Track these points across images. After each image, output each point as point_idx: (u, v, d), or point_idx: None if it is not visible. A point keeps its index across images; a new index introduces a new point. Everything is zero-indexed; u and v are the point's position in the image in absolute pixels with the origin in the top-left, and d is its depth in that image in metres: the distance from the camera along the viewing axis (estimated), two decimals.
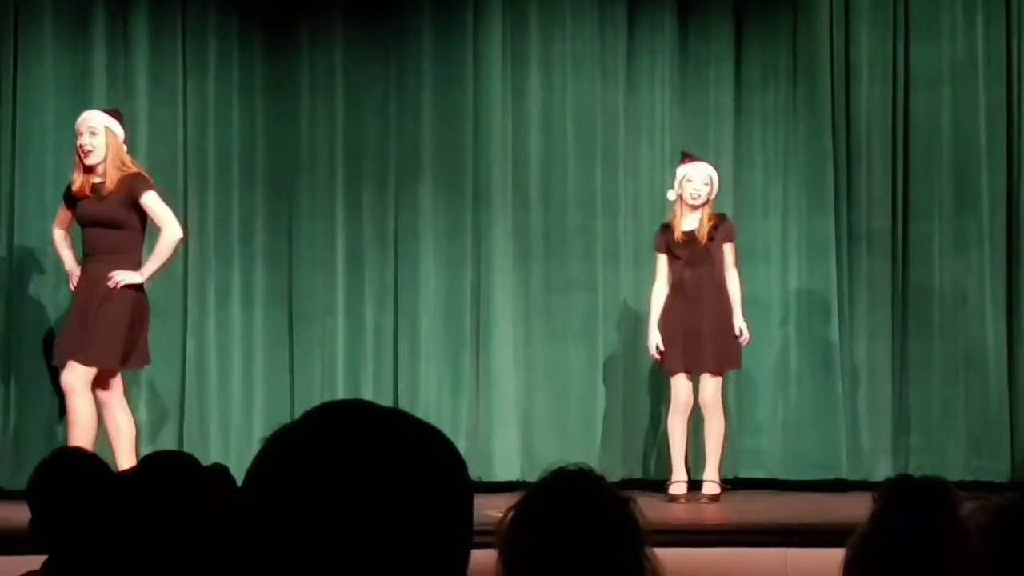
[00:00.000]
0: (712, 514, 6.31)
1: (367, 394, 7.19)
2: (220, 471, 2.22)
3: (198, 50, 7.14)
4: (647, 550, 2.12)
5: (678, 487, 6.61)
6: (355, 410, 1.16)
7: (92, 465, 2.88)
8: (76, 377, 5.97)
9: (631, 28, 7.40)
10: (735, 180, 7.29)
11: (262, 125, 7.20)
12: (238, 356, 7.14)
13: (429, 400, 7.19)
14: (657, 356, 6.69)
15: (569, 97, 7.34)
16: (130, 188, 6.07)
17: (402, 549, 1.11)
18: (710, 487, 6.58)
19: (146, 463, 2.17)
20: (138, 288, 6.06)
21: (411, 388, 7.21)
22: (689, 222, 6.64)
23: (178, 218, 6.93)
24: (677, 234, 6.63)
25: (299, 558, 1.10)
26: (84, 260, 6.16)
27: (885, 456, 7.14)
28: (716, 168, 6.76)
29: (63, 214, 6.28)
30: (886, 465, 7.08)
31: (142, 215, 6.11)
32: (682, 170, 6.69)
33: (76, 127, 6.18)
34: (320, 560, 1.10)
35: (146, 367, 6.34)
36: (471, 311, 7.25)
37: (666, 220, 6.75)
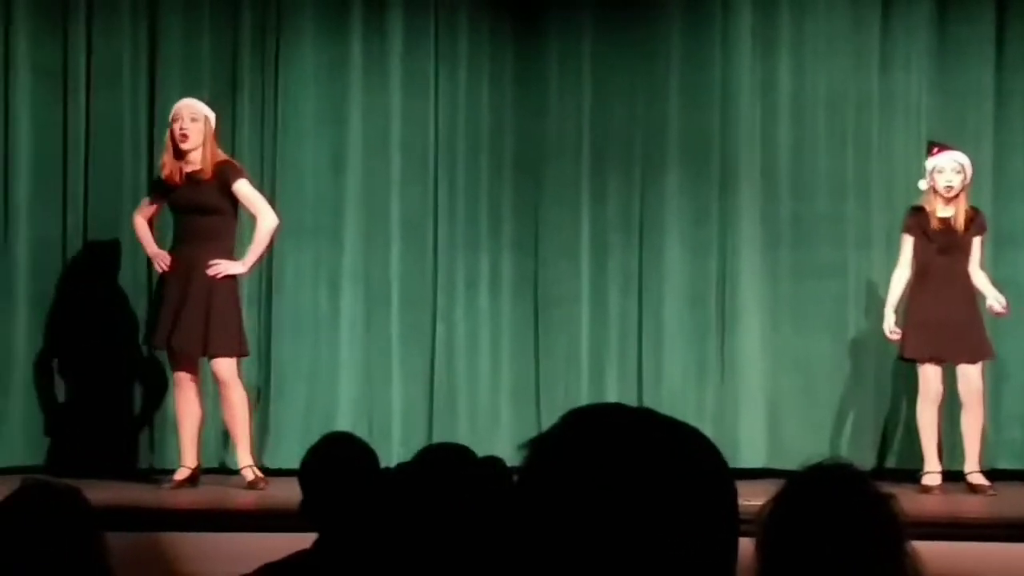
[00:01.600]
0: (970, 506, 6.15)
1: (611, 380, 7.25)
2: (494, 463, 2.28)
3: (450, 41, 7.29)
4: (908, 546, 2.11)
5: (931, 478, 6.47)
6: (614, 414, 1.20)
7: (361, 448, 3.00)
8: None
9: (885, 8, 7.23)
10: (995, 164, 7.06)
11: (511, 114, 7.31)
12: (485, 340, 7.28)
13: (674, 386, 7.20)
14: (894, 338, 6.57)
15: (820, 80, 7.23)
16: (223, 175, 6.21)
17: (670, 550, 1.13)
18: (976, 477, 6.43)
19: (425, 452, 2.25)
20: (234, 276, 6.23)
21: (655, 374, 7.23)
22: (945, 210, 6.49)
23: (428, 206, 7.11)
24: (933, 221, 6.49)
25: (569, 558, 1.13)
26: (176, 245, 6.26)
27: None
28: (968, 154, 6.58)
29: (149, 202, 6.38)
30: None
31: (234, 202, 6.25)
32: (931, 162, 6.53)
33: (173, 113, 6.31)
34: (590, 560, 1.12)
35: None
36: (716, 298, 7.23)
37: (918, 203, 6.61)
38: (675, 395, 7.16)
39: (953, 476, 6.48)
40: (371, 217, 7.21)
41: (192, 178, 6.24)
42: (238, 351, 6.30)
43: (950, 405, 6.53)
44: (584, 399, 7.14)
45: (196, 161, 6.25)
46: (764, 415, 7.15)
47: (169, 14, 7.12)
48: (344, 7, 7.23)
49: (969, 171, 6.51)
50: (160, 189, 6.35)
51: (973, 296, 6.45)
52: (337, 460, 2.95)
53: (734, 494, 1.19)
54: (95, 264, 7.02)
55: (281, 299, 7.14)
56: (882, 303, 6.96)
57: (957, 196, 6.47)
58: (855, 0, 7.23)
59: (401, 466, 2.34)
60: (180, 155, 6.24)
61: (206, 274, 6.17)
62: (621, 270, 7.26)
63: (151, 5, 7.13)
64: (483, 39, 7.29)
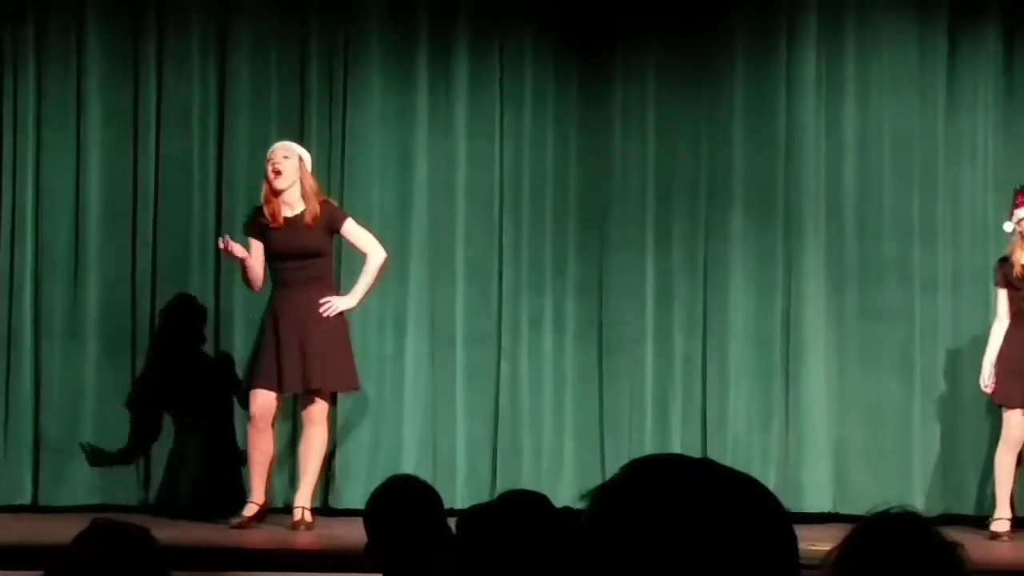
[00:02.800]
0: None
1: (675, 422, 7.23)
2: (570, 514, 2.28)
3: (515, 85, 7.33)
4: None
5: (1001, 524, 6.39)
6: (674, 464, 1.21)
7: (425, 490, 3.02)
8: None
9: (952, 50, 7.20)
10: None
11: (575, 157, 7.33)
12: (549, 381, 7.28)
13: (738, 429, 7.17)
14: (987, 392, 6.53)
15: (886, 121, 7.20)
16: (329, 217, 6.28)
17: None
18: None
19: (503, 498, 2.26)
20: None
21: (720, 417, 7.20)
22: None
23: (493, 248, 7.15)
24: (1016, 268, 6.46)
25: None
26: (281, 290, 6.27)
27: None
28: None
29: (254, 247, 6.33)
30: None
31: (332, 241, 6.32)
32: (1020, 212, 6.49)
33: (268, 154, 6.38)
34: None
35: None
36: (781, 340, 7.19)
37: (1004, 253, 6.57)
38: (740, 438, 7.12)
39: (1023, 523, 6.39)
40: (436, 259, 7.25)
41: (293, 222, 6.29)
42: (352, 385, 6.39)
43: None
44: (648, 441, 7.12)
45: (293, 203, 6.30)
46: (830, 459, 7.09)
47: (238, 59, 7.23)
48: (410, 53, 7.30)
49: None
50: (257, 233, 6.36)
51: None
52: (401, 502, 2.97)
53: (795, 544, 1.19)
54: (164, 304, 7.11)
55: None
56: (951, 345, 6.92)
57: None
58: (921, 41, 7.20)
59: (477, 508, 2.35)
60: (276, 194, 6.29)
61: (320, 315, 6.24)
62: (686, 312, 7.25)
63: (220, 50, 7.23)
64: (548, 82, 7.33)
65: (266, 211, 6.31)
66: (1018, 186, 6.66)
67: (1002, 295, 6.54)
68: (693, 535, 1.14)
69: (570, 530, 2.17)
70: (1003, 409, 6.49)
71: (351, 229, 6.38)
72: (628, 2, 7.27)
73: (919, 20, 7.22)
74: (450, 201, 7.26)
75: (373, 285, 6.49)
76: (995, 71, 7.16)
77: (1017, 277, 6.46)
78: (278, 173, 6.25)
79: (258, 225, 6.35)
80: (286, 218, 6.29)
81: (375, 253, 6.40)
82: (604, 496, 1.19)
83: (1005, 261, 6.52)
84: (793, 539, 1.19)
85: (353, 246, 6.48)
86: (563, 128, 7.33)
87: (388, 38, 7.27)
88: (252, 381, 6.35)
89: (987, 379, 6.52)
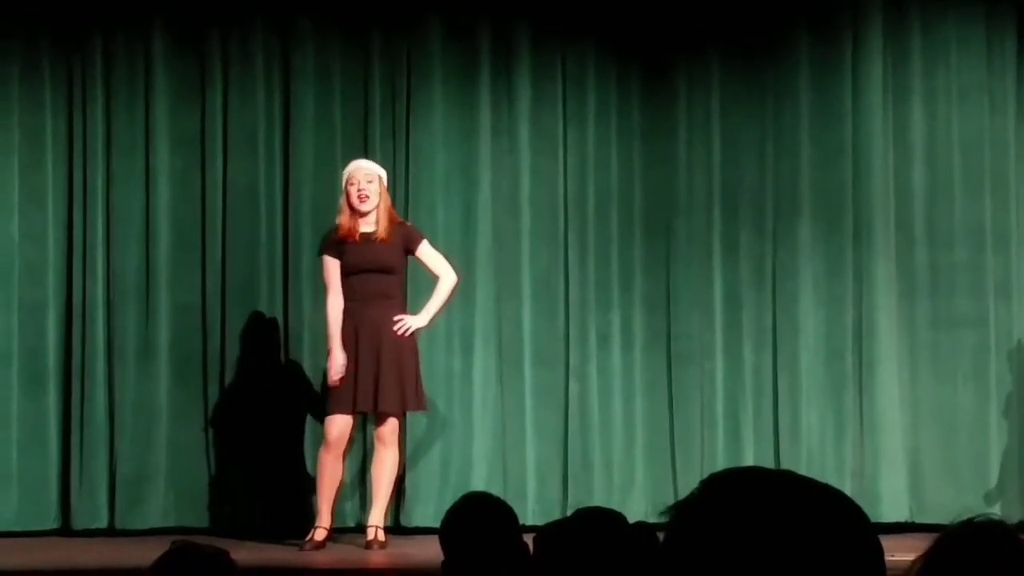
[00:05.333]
0: None
1: (747, 435, 7.17)
2: (645, 531, 2.27)
3: (578, 98, 7.34)
4: None
5: None
6: (753, 478, 1.20)
7: (501, 507, 3.01)
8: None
9: (1020, 53, 7.12)
10: None
11: (639, 169, 7.32)
12: (619, 397, 7.25)
13: (812, 441, 7.10)
14: None
15: (955, 128, 7.13)
16: (406, 237, 6.35)
17: None
18: None
19: (579, 515, 2.25)
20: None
21: (792, 430, 7.14)
22: None
23: (559, 263, 7.15)
24: None
25: None
26: (353, 304, 6.30)
27: None
28: None
29: (333, 266, 6.34)
30: None
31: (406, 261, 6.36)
32: None
33: (349, 176, 6.40)
34: None
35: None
36: (853, 350, 7.12)
37: None
38: (813, 450, 7.06)
39: None
40: (502, 275, 7.25)
41: (369, 238, 6.35)
42: (422, 406, 6.43)
43: None
44: (719, 456, 7.07)
45: (371, 221, 6.37)
46: (905, 469, 7.01)
47: (302, 81, 7.28)
48: (472, 71, 7.32)
49: None
50: (335, 251, 6.41)
51: None
52: (477, 519, 2.96)
53: (880, 553, 1.17)
54: (234, 327, 7.16)
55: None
56: (1023, 352, 6.80)
57: None
58: (989, 46, 7.13)
59: (554, 525, 2.34)
60: (359, 215, 6.37)
61: (393, 332, 6.28)
62: (755, 324, 7.20)
63: (284, 73, 7.29)
64: (610, 96, 7.32)
65: (343, 229, 6.35)
66: None
67: None
68: (777, 549, 1.13)
69: (645, 547, 2.16)
70: None
71: (425, 250, 6.45)
72: (689, 14, 7.25)
73: (986, 23, 7.15)
74: (515, 218, 7.27)
75: (444, 307, 6.52)
76: None
77: None
78: (365, 198, 6.34)
79: (335, 244, 6.39)
80: (362, 234, 6.34)
81: (448, 275, 6.46)
82: (685, 513, 1.18)
83: None
84: (879, 550, 1.17)
85: (426, 267, 6.51)
86: (626, 141, 7.32)
87: (450, 56, 7.30)
88: (330, 406, 6.38)
89: None
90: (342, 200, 6.44)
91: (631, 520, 2.46)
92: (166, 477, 7.06)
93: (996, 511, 6.74)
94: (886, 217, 7.14)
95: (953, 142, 7.14)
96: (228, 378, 7.14)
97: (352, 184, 6.39)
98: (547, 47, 7.32)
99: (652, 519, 5.35)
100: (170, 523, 6.99)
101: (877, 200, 7.15)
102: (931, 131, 7.15)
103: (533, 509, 6.90)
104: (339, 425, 6.30)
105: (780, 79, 7.23)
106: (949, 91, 7.14)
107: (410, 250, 6.44)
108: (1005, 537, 2.06)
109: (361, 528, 6.57)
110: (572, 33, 7.31)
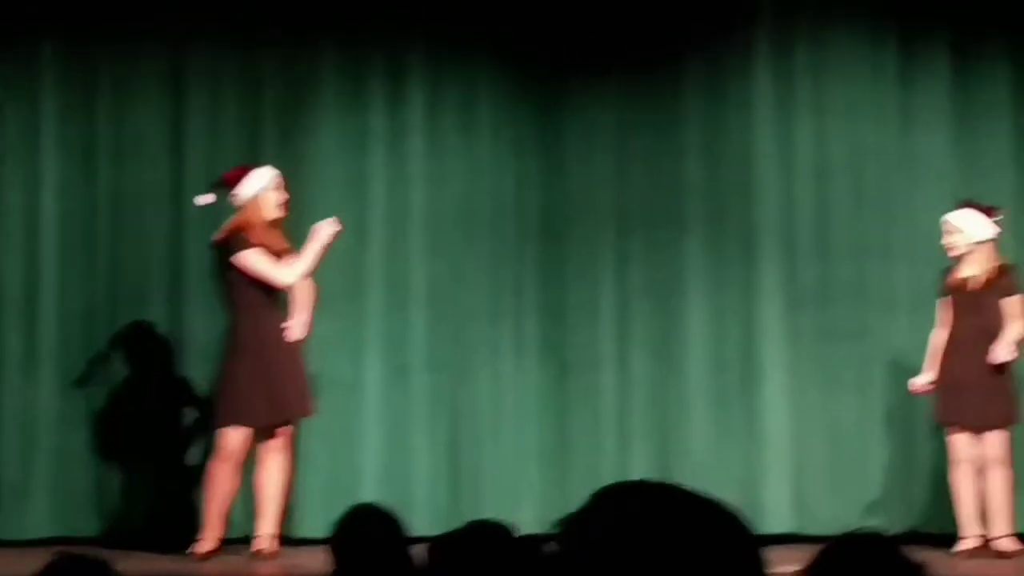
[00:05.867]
0: (1001, 571, 6.11)
1: (637, 445, 7.23)
2: (532, 543, 2.28)
3: (471, 107, 7.33)
4: None
5: (966, 543, 6.43)
6: (640, 491, 1.21)
7: (389, 518, 3.01)
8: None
9: (903, 71, 7.28)
10: (1015, 227, 7.06)
11: (533, 179, 7.34)
12: (510, 406, 7.27)
13: (699, 451, 7.18)
14: (914, 388, 6.55)
15: (840, 142, 7.26)
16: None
17: None
18: (1005, 543, 6.38)
19: (469, 528, 2.26)
20: None
21: (681, 439, 7.21)
22: (967, 268, 6.49)
23: (452, 273, 7.17)
24: (953, 279, 6.51)
25: None
26: (244, 315, 6.27)
27: None
28: (988, 211, 6.53)
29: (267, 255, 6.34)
30: None
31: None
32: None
33: (276, 180, 6.37)
34: None
35: None
36: (741, 361, 7.22)
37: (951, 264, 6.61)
38: (700, 460, 7.14)
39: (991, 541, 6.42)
40: (394, 285, 7.24)
41: (280, 247, 6.31)
42: (311, 410, 6.40)
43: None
44: (610, 465, 7.13)
45: (279, 231, 6.35)
46: (790, 480, 7.12)
47: (192, 88, 7.20)
48: (364, 79, 7.30)
49: (972, 232, 6.46)
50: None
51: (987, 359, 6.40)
52: (366, 530, 2.96)
53: (762, 566, 1.19)
54: (124, 336, 7.06)
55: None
56: (908, 364, 6.95)
57: (967, 255, 6.45)
58: (873, 62, 7.27)
59: (442, 537, 2.34)
60: (274, 223, 6.32)
61: (278, 341, 6.23)
62: (645, 334, 7.27)
63: (174, 79, 7.21)
64: (504, 106, 7.35)
65: (263, 236, 6.27)
66: (964, 200, 6.67)
67: (940, 305, 6.56)
68: (663, 562, 1.15)
69: (532, 559, 2.17)
70: (945, 429, 6.54)
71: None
72: (583, 26, 7.30)
73: (870, 39, 7.28)
74: (407, 226, 7.26)
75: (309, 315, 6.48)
76: (947, 89, 7.23)
77: (954, 288, 6.49)
78: (287, 207, 6.32)
79: (257, 242, 6.31)
80: (275, 242, 6.32)
81: (311, 288, 6.42)
82: (574, 526, 1.19)
83: (948, 271, 6.56)
84: (760, 560, 1.19)
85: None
86: (520, 151, 7.35)
87: (342, 63, 7.28)
88: (227, 417, 6.27)
89: (919, 380, 6.54)
90: (259, 200, 6.33)
91: (523, 530, 2.47)
92: (50, 486, 6.94)
93: (879, 522, 6.88)
94: (773, 229, 7.25)
95: (838, 156, 7.27)
96: (115, 386, 7.04)
97: (278, 188, 6.35)
98: (440, 56, 7.33)
99: (542, 529, 5.38)
100: (55, 532, 6.86)
101: (765, 213, 7.26)
102: (817, 145, 7.28)
103: (421, 519, 6.87)
104: (238, 436, 6.23)
105: (671, 91, 7.31)
106: (835, 106, 7.27)
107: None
108: (887, 549, 2.11)
109: (249, 539, 6.50)
110: (467, 43, 7.33)
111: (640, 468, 7.15)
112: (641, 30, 7.31)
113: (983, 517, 6.46)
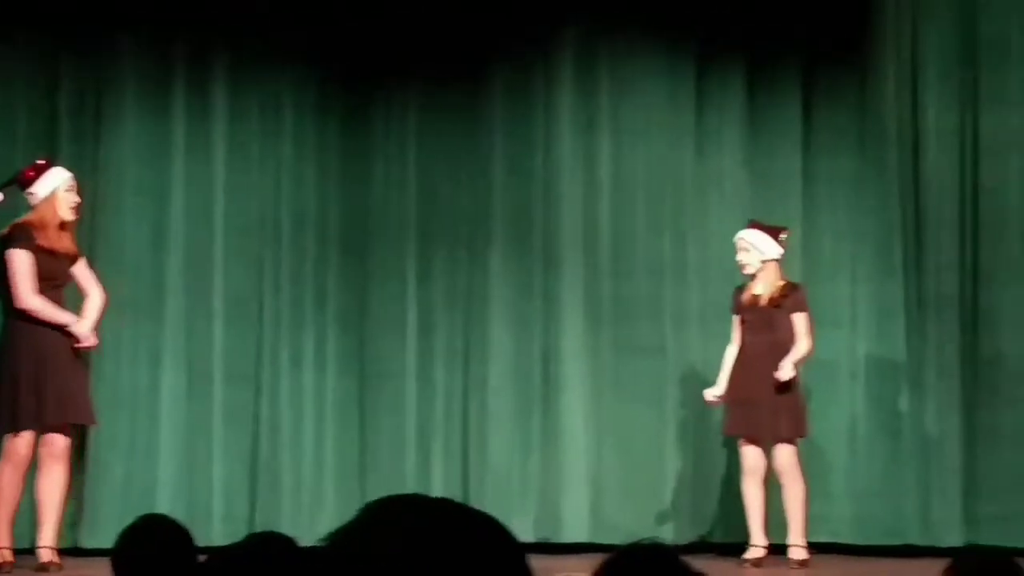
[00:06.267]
0: None
1: (437, 456, 7.26)
2: (319, 554, 2.26)
3: (275, 116, 7.29)
4: None
5: (754, 551, 6.61)
6: (410, 505, 1.22)
7: (176, 530, 2.96)
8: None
9: (700, 94, 7.46)
10: (804, 245, 7.31)
11: (336, 189, 7.33)
12: (310, 417, 7.23)
13: (499, 462, 7.24)
14: (708, 400, 6.71)
15: (638, 162, 7.42)
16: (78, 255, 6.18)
17: None
18: (797, 552, 6.58)
19: (249, 540, 2.23)
20: None
21: (481, 450, 7.27)
22: (759, 286, 6.68)
23: (253, 281, 7.07)
24: (746, 296, 6.69)
25: None
26: (24, 321, 6.04)
27: (955, 524, 7.09)
28: (777, 231, 6.73)
29: (32, 261, 6.05)
30: (956, 532, 7.03)
31: None
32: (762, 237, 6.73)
33: (70, 184, 6.10)
34: None
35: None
36: (541, 374, 7.31)
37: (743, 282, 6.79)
38: (500, 471, 7.21)
39: (779, 549, 6.61)
40: (194, 292, 7.13)
41: (66, 252, 6.13)
42: (91, 419, 6.19)
43: (773, 479, 6.67)
44: (410, 477, 7.14)
45: (69, 236, 6.16)
46: (587, 490, 7.23)
47: None
48: (166, 81, 7.19)
49: (762, 250, 6.65)
50: (33, 249, 6.05)
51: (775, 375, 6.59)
52: (151, 543, 2.90)
53: None
54: None
55: (100, 374, 6.98)
56: (701, 379, 7.12)
57: (758, 273, 6.65)
58: (671, 83, 7.44)
59: (221, 551, 2.31)
60: (65, 226, 6.11)
61: (61, 346, 6.03)
62: (447, 346, 7.30)
63: None
64: (308, 116, 7.32)
65: (49, 238, 6.07)
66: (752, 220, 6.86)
67: (734, 321, 6.74)
68: (432, 573, 1.16)
69: (316, 572, 2.15)
70: (736, 440, 6.73)
71: (81, 268, 6.20)
72: (389, 36, 7.31)
73: (667, 62, 7.45)
74: (208, 233, 7.16)
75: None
76: (740, 112, 7.44)
77: (744, 305, 6.68)
78: (79, 211, 6.13)
79: (33, 244, 6.07)
80: (63, 246, 6.11)
81: (99, 294, 6.23)
82: (341, 538, 1.20)
83: (739, 289, 6.74)
84: (529, 574, 1.21)
85: (79, 283, 6.25)
86: (324, 162, 7.32)
87: (143, 65, 7.15)
88: (14, 422, 6.07)
89: (712, 392, 6.71)
90: (53, 200, 6.12)
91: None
92: None
93: (671, 532, 7.04)
94: (574, 245, 7.37)
95: (637, 175, 7.42)
96: None
97: (71, 190, 6.15)
98: (244, 63, 7.26)
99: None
100: None
101: (566, 229, 7.36)
102: (616, 164, 7.42)
103: (219, 532, 6.78)
104: (26, 440, 6.05)
105: (476, 106, 7.37)
106: (634, 126, 7.42)
107: (75, 266, 6.22)
108: (666, 558, 2.16)
109: (33, 549, 6.32)
110: (270, 50, 7.27)
111: (440, 480, 7.18)
112: (447, 42, 7.35)
113: (779, 525, 6.65)
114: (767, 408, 6.55)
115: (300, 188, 7.30)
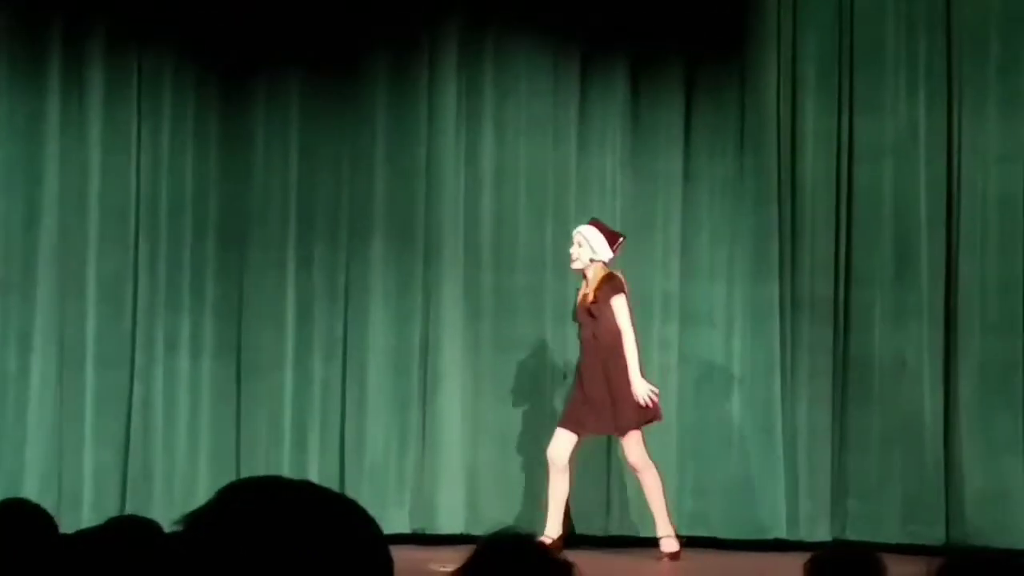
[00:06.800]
0: (652, 571, 6.36)
1: (313, 446, 7.22)
2: (180, 540, 2.23)
3: (154, 98, 7.19)
4: None
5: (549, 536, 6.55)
6: (271, 487, 1.21)
7: (38, 515, 2.88)
8: None
9: (583, 91, 7.50)
10: (682, 245, 7.39)
11: (215, 175, 7.25)
12: (185, 405, 7.15)
13: (376, 454, 7.23)
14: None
15: (521, 157, 7.43)
16: None
17: None
18: (668, 543, 6.63)
19: (109, 524, 2.19)
20: None
21: (358, 441, 7.24)
22: (585, 284, 6.71)
23: (128, 265, 6.96)
24: (578, 298, 6.74)
25: None
26: None
27: (823, 519, 7.23)
28: (614, 236, 6.64)
29: None
30: (824, 528, 7.18)
31: None
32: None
33: None
34: None
35: None
36: (419, 366, 7.30)
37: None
38: (377, 462, 7.19)
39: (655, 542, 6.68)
40: (66, 274, 7.01)
41: None
42: None
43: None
44: (285, 466, 7.09)
45: None
46: (463, 482, 7.24)
47: None
48: (40, 57, 7.05)
49: (592, 245, 6.61)
50: None
51: (609, 368, 6.57)
52: (10, 528, 2.83)
53: (390, 564, 1.21)
54: None
55: None
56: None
57: (586, 268, 6.66)
58: (555, 81, 7.47)
59: (78, 534, 2.27)
60: None
61: None
62: (325, 337, 7.26)
63: None
64: (188, 98, 7.22)
65: None
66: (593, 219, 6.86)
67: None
68: (289, 558, 1.15)
69: (179, 557, 2.12)
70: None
71: None
72: (268, 25, 7.23)
73: (553, 59, 7.48)
74: (82, 216, 7.04)
75: None
76: (622, 113, 7.50)
77: (576, 304, 6.73)
78: None
79: None
80: None
81: None
82: (197, 520, 1.18)
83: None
84: (388, 561, 1.21)
85: None
86: (203, 146, 7.23)
87: (15, 39, 6.99)
88: None
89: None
90: None
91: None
92: None
93: (544, 524, 7.06)
94: (455, 239, 7.36)
95: (519, 170, 7.43)
96: None
97: None
98: (123, 42, 7.14)
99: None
100: None
101: (447, 222, 7.36)
102: (499, 158, 7.43)
103: (88, 519, 6.67)
104: None
105: (358, 96, 7.33)
106: (518, 121, 7.44)
107: None
108: (533, 548, 2.18)
109: None
110: (150, 31, 7.16)
111: (315, 471, 7.15)
112: (330, 32, 7.29)
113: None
114: (585, 403, 6.56)
115: (178, 172, 7.20)
